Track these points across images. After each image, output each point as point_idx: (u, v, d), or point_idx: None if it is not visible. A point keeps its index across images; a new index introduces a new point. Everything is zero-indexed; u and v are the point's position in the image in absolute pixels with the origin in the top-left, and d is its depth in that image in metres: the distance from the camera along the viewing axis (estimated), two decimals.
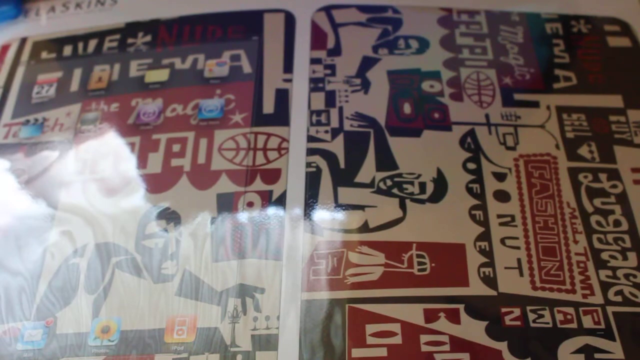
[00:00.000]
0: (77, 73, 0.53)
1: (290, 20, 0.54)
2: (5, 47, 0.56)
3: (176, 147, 0.48)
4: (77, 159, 0.49)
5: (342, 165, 0.47)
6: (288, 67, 0.52)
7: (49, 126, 0.51)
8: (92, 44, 0.55)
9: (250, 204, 0.45)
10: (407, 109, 0.49)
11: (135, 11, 0.57)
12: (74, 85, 0.53)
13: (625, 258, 0.43)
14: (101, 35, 0.55)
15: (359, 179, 0.46)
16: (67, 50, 0.55)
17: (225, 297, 0.43)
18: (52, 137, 0.50)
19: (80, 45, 0.55)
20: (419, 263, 0.43)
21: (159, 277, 0.44)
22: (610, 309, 0.42)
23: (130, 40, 0.55)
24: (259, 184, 0.46)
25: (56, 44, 0.55)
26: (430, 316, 0.41)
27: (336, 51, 0.53)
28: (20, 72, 0.54)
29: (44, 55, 0.55)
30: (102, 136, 0.50)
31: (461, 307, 0.42)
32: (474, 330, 0.41)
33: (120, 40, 0.55)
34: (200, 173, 0.47)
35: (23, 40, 0.56)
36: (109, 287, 0.43)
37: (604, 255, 0.43)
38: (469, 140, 0.48)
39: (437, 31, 0.54)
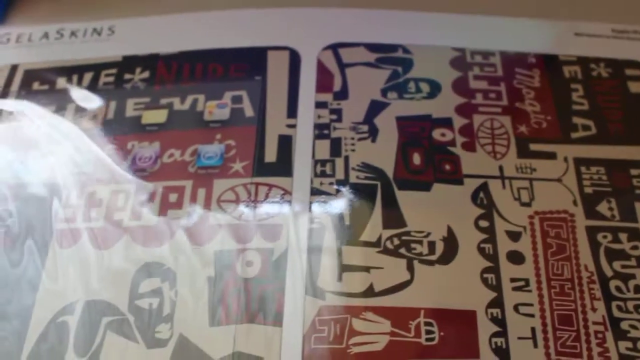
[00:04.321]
0: (71, 109, 0.51)
1: (295, 59, 0.52)
2: None
3: (173, 197, 0.46)
4: (68, 206, 0.46)
5: (347, 221, 0.44)
6: (292, 111, 0.49)
7: None
8: (88, 77, 0.53)
9: (249, 263, 0.43)
10: (416, 159, 0.47)
11: (133, 44, 0.54)
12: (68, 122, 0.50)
13: None
14: (97, 68, 0.53)
15: (365, 237, 0.44)
16: (61, 82, 0.52)
17: None
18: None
19: (75, 77, 0.52)
20: (427, 332, 0.41)
21: (153, 341, 0.41)
22: None
23: (127, 76, 0.52)
24: (259, 241, 0.44)
25: (49, 75, 0.53)
26: None
27: (343, 94, 0.50)
28: (9, 103, 0.51)
29: (36, 86, 0.52)
30: (95, 181, 0.47)
31: None
32: None
33: (116, 75, 0.52)
34: (198, 227, 0.44)
35: (14, 68, 0.53)
36: (99, 350, 0.41)
37: (624, 325, 0.41)
38: (481, 195, 0.45)
39: (449, 73, 0.51)
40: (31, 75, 0.53)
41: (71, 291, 0.43)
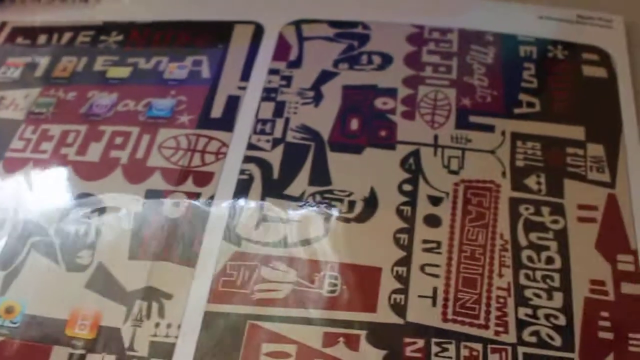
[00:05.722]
0: (45, 61, 0.55)
1: (259, 32, 0.54)
2: None
3: (119, 140, 0.49)
4: (22, 138, 0.50)
5: (275, 176, 0.46)
6: (246, 75, 0.51)
7: (5, 105, 0.52)
8: (67, 36, 0.57)
9: (176, 204, 0.45)
10: (354, 125, 0.48)
11: (115, 12, 0.58)
12: (39, 71, 0.54)
13: (550, 298, 0.41)
14: (77, 29, 0.57)
15: (289, 191, 0.46)
16: (42, 39, 0.57)
17: (133, 298, 0.42)
18: (4, 114, 0.52)
19: (55, 36, 0.56)
20: (330, 284, 0.42)
21: (73, 265, 0.44)
22: (521, 349, 0.40)
23: (102, 38, 0.56)
24: (189, 185, 0.46)
25: (33, 32, 0.57)
26: (329, 340, 0.40)
27: (296, 63, 0.52)
28: None
29: (19, 40, 0.57)
30: (52, 120, 0.51)
31: (363, 333, 0.40)
32: (371, 358, 0.39)
33: (93, 37, 0.56)
34: (135, 167, 0.47)
35: (3, 24, 0.58)
36: (21, 266, 0.44)
37: (528, 293, 0.41)
38: (411, 161, 0.46)
39: (403, 48, 0.52)
40: (17, 32, 0.57)
41: (5, 208, 0.46)
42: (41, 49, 0.56)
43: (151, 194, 0.46)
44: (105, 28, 0.57)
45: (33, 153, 0.49)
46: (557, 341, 0.40)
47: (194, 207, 0.45)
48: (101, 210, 0.46)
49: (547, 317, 0.41)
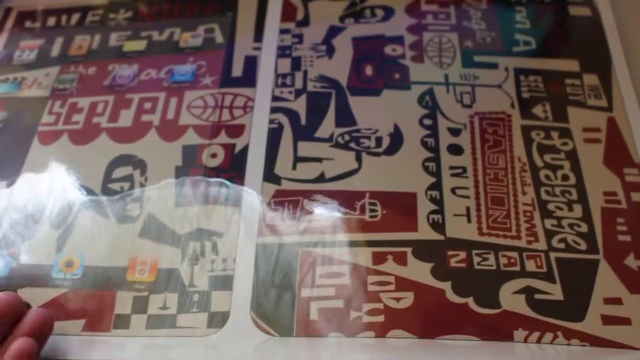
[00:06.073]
0: (59, 41, 0.57)
1: None
2: None
3: (147, 105, 0.51)
4: (52, 113, 0.52)
5: (303, 122, 0.49)
6: (258, 37, 0.54)
7: (27, 84, 0.54)
8: (75, 17, 0.58)
9: (214, 155, 0.48)
10: (368, 71, 0.51)
11: None
12: (55, 51, 0.56)
13: (570, 209, 0.45)
14: (84, 10, 0.59)
15: (319, 134, 0.49)
16: (51, 21, 0.58)
17: (186, 240, 0.45)
18: (29, 93, 0.53)
19: (64, 17, 0.58)
20: (371, 210, 0.45)
21: (123, 218, 0.46)
22: (553, 255, 0.43)
23: (111, 16, 0.58)
24: (223, 138, 0.49)
25: (40, 15, 0.59)
26: (378, 258, 0.43)
27: (304, 22, 0.55)
28: (3, 37, 0.57)
29: (28, 24, 0.58)
30: (78, 94, 0.53)
31: (409, 250, 0.43)
32: (419, 271, 0.43)
33: (102, 15, 0.58)
34: (168, 127, 0.49)
35: (8, 10, 0.59)
36: (74, 224, 0.46)
37: (551, 206, 0.45)
38: (427, 98, 0.50)
39: (403, 0, 0.56)
40: (23, 16, 0.59)
41: (50, 177, 0.48)
42: (52, 31, 0.58)
43: (188, 149, 0.49)
44: (112, 6, 0.59)
45: (65, 125, 0.51)
46: (583, 246, 0.44)
47: (231, 156, 0.48)
48: (142, 168, 0.48)
49: (570, 225, 0.44)
